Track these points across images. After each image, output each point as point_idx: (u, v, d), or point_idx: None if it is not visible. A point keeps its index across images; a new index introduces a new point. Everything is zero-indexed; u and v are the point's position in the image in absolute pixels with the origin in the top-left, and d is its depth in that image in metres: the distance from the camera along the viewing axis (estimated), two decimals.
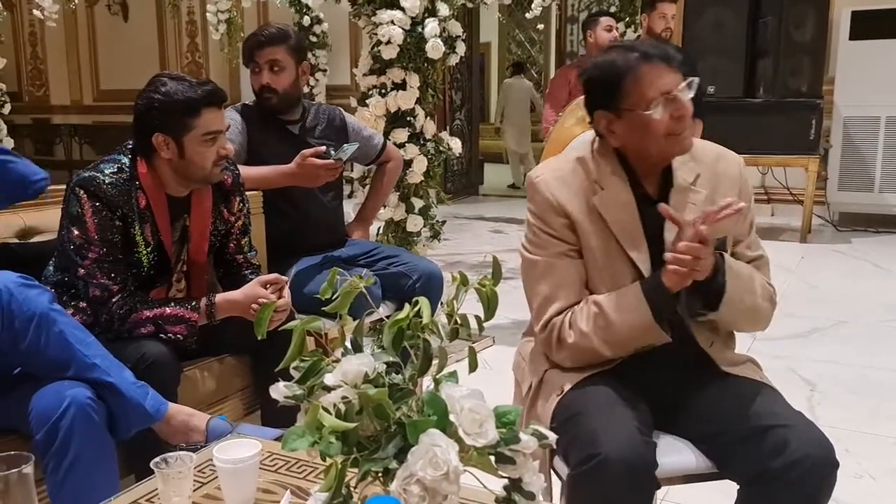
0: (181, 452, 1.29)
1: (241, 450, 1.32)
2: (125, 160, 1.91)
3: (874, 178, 5.95)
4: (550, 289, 1.53)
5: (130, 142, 1.95)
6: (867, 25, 5.76)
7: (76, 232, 1.84)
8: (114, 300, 1.86)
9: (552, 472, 1.55)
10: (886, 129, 5.82)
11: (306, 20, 6.09)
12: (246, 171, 2.24)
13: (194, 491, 1.34)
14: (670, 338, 1.46)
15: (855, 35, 5.78)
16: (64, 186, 1.94)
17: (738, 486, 1.43)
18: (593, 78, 1.54)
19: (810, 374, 3.17)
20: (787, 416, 1.40)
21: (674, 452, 1.47)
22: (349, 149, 2.49)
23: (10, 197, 1.95)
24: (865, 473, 2.35)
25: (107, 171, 1.87)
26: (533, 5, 5.16)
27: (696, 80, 1.50)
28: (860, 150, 5.96)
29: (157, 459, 1.27)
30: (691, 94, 1.47)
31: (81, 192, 1.84)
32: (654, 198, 1.54)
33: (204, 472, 1.43)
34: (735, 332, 1.63)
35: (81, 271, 1.86)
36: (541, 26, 7.25)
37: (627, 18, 5.75)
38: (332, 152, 2.53)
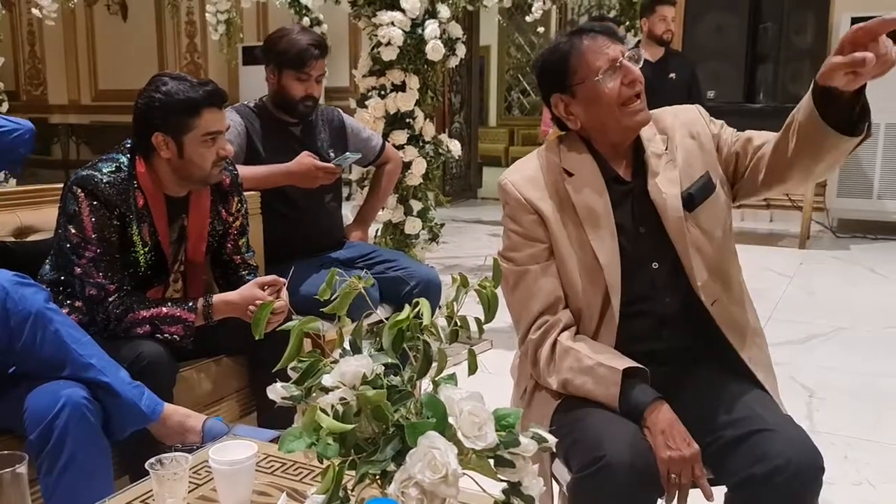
0: (176, 454, 1.28)
1: (238, 451, 1.31)
2: (123, 159, 1.90)
3: (873, 184, 5.95)
4: (525, 297, 1.54)
5: (129, 141, 1.94)
6: None
7: (73, 230, 1.83)
8: (110, 299, 1.85)
9: (553, 477, 1.53)
10: (885, 135, 5.82)
11: (306, 21, 6.08)
12: (243, 170, 2.23)
13: (189, 492, 1.33)
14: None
15: None
16: (61, 185, 1.93)
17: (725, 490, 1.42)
18: (542, 65, 1.58)
19: (809, 380, 3.16)
20: (774, 420, 1.39)
21: None
22: (351, 157, 2.51)
23: None
24: (864, 480, 2.34)
25: (105, 170, 1.86)
26: (533, 9, 5.14)
27: (641, 52, 1.54)
28: (859, 157, 5.95)
29: (151, 460, 1.25)
30: (638, 66, 1.50)
31: (79, 190, 1.83)
32: (625, 179, 1.56)
33: (199, 474, 1.41)
34: (750, 301, 1.60)
35: (78, 270, 1.84)
36: (541, 30, 7.23)
37: (628, 23, 5.75)
38: (332, 155, 2.54)
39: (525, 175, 1.58)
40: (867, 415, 2.83)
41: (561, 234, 1.53)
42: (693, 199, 1.51)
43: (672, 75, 4.30)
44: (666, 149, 1.55)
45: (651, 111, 1.59)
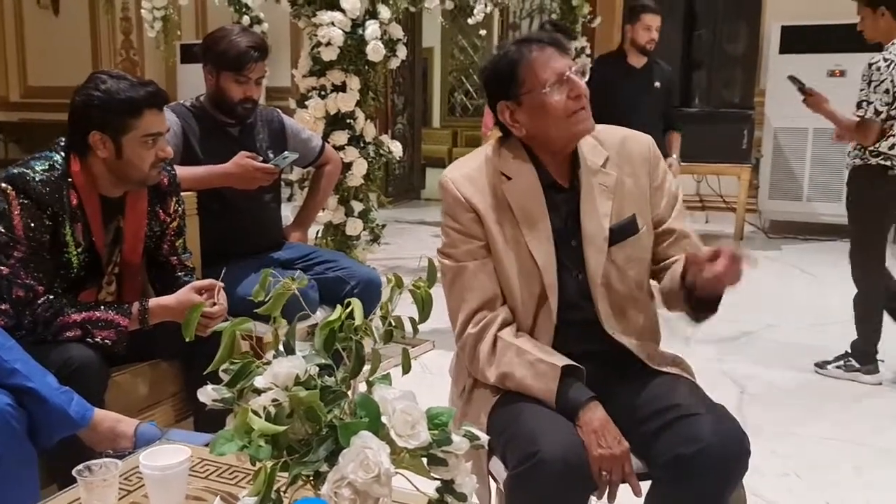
0: (106, 459, 1.26)
1: (170, 456, 1.29)
2: (58, 157, 1.85)
3: (803, 187, 6.15)
4: (462, 292, 1.56)
5: (63, 139, 1.89)
6: (796, 40, 5.95)
7: (1, 229, 1.77)
8: (39, 302, 1.80)
9: (489, 475, 1.55)
10: (814, 140, 6.02)
11: (246, 20, 5.99)
12: (180, 171, 2.19)
13: (120, 499, 1.30)
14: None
15: (785, 49, 5.98)
16: None
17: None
18: (490, 72, 1.60)
19: (740, 376, 3.26)
20: (701, 406, 1.44)
21: None
22: (289, 157, 2.49)
23: None
24: (791, 472, 2.43)
25: (38, 168, 1.81)
26: (475, 11, 5.17)
27: (588, 65, 1.57)
28: (789, 161, 6.17)
29: (79, 467, 1.23)
30: (584, 80, 1.53)
31: (10, 188, 1.77)
32: (563, 185, 1.59)
33: (130, 480, 1.39)
34: (658, 329, 1.66)
35: (5, 270, 1.79)
36: (483, 32, 7.28)
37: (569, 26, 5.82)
38: (271, 156, 2.51)
39: (465, 173, 1.61)
40: (795, 409, 2.94)
41: (497, 233, 1.55)
42: (612, 236, 1.56)
43: (657, 84, 4.11)
44: (603, 165, 1.58)
45: (602, 127, 1.62)
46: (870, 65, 2.97)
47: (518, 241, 1.55)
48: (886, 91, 2.91)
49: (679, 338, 3.59)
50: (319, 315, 2.31)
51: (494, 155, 1.61)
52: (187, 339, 1.08)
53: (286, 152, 2.53)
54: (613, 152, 1.60)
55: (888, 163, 2.97)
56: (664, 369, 1.56)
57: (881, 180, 2.98)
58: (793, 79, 3.19)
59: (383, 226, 3.71)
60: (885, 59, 2.94)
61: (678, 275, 1.50)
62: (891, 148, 2.95)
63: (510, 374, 1.49)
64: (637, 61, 4.27)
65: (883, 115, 2.92)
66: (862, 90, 2.99)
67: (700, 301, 1.47)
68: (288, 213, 3.03)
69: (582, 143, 1.59)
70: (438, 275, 1.12)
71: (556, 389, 1.44)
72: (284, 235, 2.76)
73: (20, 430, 1.55)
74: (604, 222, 1.55)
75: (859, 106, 2.98)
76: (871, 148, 2.98)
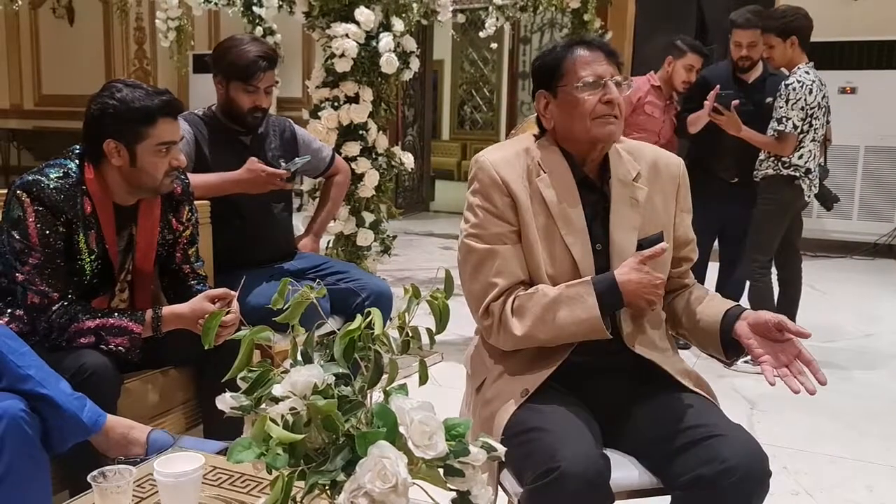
0: (120, 466, 1.26)
1: (183, 463, 1.29)
2: (72, 165, 1.86)
3: (812, 204, 6.12)
4: (491, 275, 1.55)
5: (77, 147, 1.90)
6: (807, 56, 5.95)
7: (17, 236, 1.79)
8: (54, 308, 1.81)
9: (500, 486, 1.54)
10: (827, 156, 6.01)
11: (259, 31, 6.03)
12: (193, 179, 2.20)
13: None
14: (610, 334, 1.50)
15: None
16: (5, 190, 1.88)
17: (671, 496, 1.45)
18: (539, 61, 1.64)
19: (751, 392, 3.24)
20: (723, 426, 1.43)
21: (619, 468, 1.48)
22: (300, 161, 2.50)
23: None
24: (802, 490, 2.41)
25: (52, 176, 1.82)
26: (486, 25, 5.20)
27: (632, 81, 1.59)
28: None
29: (94, 473, 1.23)
30: (625, 93, 1.56)
31: (24, 195, 1.78)
32: (595, 183, 1.61)
33: (143, 487, 1.39)
34: (675, 346, 1.66)
35: (20, 277, 1.80)
36: (494, 45, 7.32)
37: None
38: (283, 162, 2.53)
39: (503, 156, 1.61)
40: (806, 427, 2.92)
41: (531, 222, 1.55)
42: (640, 250, 1.55)
43: (769, 100, 3.67)
44: (635, 179, 1.60)
45: (635, 142, 1.65)
46: (786, 85, 3.39)
47: (551, 232, 1.55)
48: (801, 108, 3.37)
49: (690, 352, 3.59)
50: (331, 324, 2.32)
51: (532, 147, 1.63)
52: (206, 348, 1.08)
53: (297, 157, 2.54)
54: (645, 169, 1.62)
55: (796, 173, 3.46)
56: (687, 384, 1.55)
57: (789, 189, 3.48)
58: (720, 97, 3.53)
59: (394, 237, 3.72)
60: (798, 81, 3.38)
61: (717, 318, 1.56)
62: (800, 158, 3.43)
63: (542, 316, 1.49)
64: (747, 76, 3.82)
65: (798, 130, 3.38)
66: (780, 108, 3.40)
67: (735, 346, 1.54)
68: (298, 223, 3.04)
69: (613, 153, 1.61)
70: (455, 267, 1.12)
71: (597, 300, 1.46)
72: (296, 245, 2.77)
73: (33, 436, 1.55)
74: (632, 235, 1.56)
75: (779, 122, 3.39)
76: (784, 160, 3.45)
